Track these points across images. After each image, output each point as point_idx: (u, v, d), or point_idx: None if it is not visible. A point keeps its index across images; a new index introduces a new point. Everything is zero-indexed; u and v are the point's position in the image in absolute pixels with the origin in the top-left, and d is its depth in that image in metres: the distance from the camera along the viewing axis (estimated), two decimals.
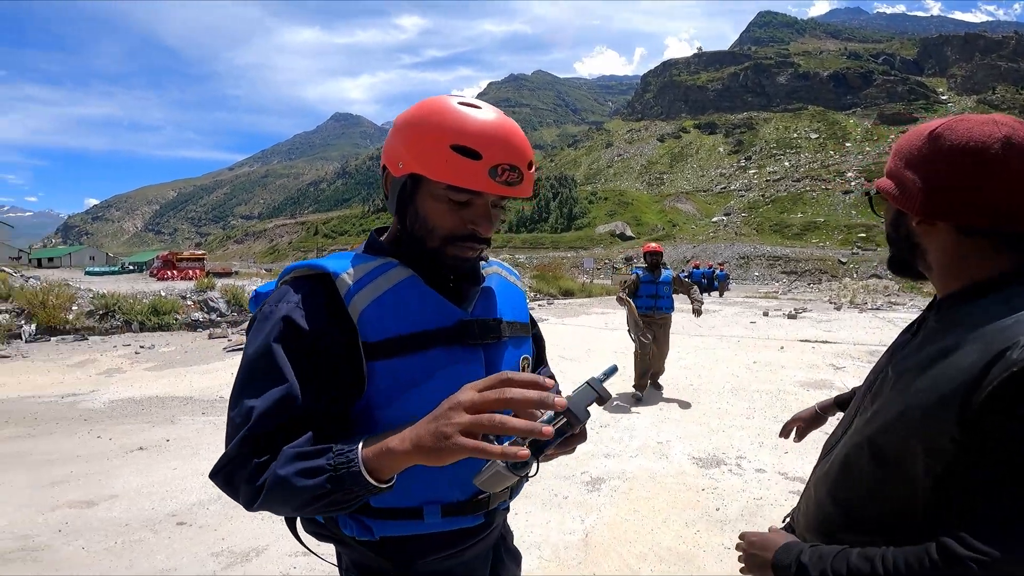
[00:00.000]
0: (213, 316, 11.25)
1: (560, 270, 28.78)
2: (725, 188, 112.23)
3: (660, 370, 6.13)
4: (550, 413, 0.65)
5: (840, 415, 1.13)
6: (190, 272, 31.59)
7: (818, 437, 1.40)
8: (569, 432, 0.68)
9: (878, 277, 34.67)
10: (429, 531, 0.85)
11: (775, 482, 3.60)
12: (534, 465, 0.67)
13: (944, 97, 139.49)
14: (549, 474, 3.64)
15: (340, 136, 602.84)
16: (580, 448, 4.42)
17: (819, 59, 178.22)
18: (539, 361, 1.14)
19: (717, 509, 3.22)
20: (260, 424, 0.72)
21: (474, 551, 0.93)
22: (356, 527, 0.84)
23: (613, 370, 0.73)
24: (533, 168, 0.85)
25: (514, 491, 0.96)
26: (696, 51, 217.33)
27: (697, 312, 6.09)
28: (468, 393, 0.64)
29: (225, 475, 0.74)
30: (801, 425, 1.35)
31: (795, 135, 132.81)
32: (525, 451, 0.60)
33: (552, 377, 1.09)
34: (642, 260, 6.21)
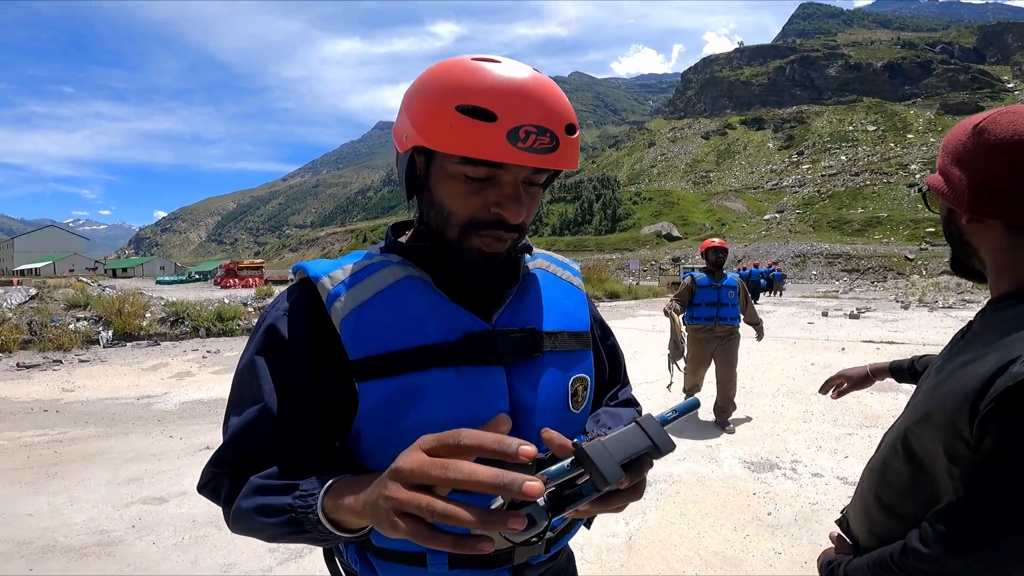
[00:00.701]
0: None
1: (605, 272, 28.51)
2: (777, 185, 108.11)
3: (727, 401, 4.76)
4: (560, 466, 0.45)
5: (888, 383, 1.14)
6: (250, 280, 33.19)
7: (877, 436, 1.35)
8: (597, 493, 0.46)
9: (949, 273, 32.38)
10: None
11: (833, 487, 3.46)
12: (540, 524, 0.45)
13: (1010, 85, 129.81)
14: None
15: (384, 144, 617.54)
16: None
17: (871, 50, 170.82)
18: (613, 382, 0.91)
19: (769, 514, 3.12)
20: (234, 444, 0.67)
21: None
22: (360, 563, 0.74)
23: (693, 406, 0.53)
24: (576, 133, 0.65)
25: (560, 540, 0.76)
26: (737, 46, 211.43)
27: (759, 336, 5.20)
28: (411, 456, 0.47)
29: (210, 491, 0.70)
30: (844, 384, 1.32)
31: (850, 128, 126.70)
32: (488, 544, 0.42)
33: (633, 402, 0.93)
34: (697, 260, 5.79)
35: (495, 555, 0.69)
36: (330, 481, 0.58)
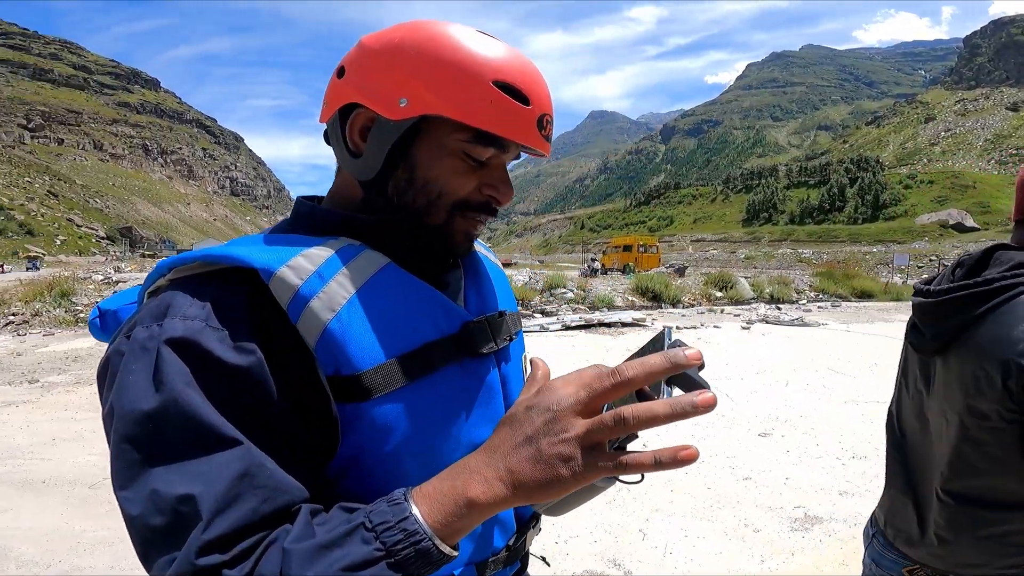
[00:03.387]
0: None
1: (857, 268, 24.02)
2: None
3: None
4: (665, 389, 0.46)
5: None
6: None
7: None
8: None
9: None
10: None
11: None
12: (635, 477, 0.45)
13: None
14: (749, 500, 3.15)
15: (598, 133, 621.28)
16: (811, 480, 3.59)
17: None
18: None
19: None
20: (222, 518, 0.42)
21: None
22: None
23: (670, 332, 0.55)
24: None
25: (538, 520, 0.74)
26: None
27: None
28: (564, 391, 0.43)
29: None
30: None
31: None
32: (692, 451, 0.41)
33: None
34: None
35: (512, 549, 0.65)
36: (404, 495, 0.44)
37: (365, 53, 0.58)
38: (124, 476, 0.44)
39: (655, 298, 13.75)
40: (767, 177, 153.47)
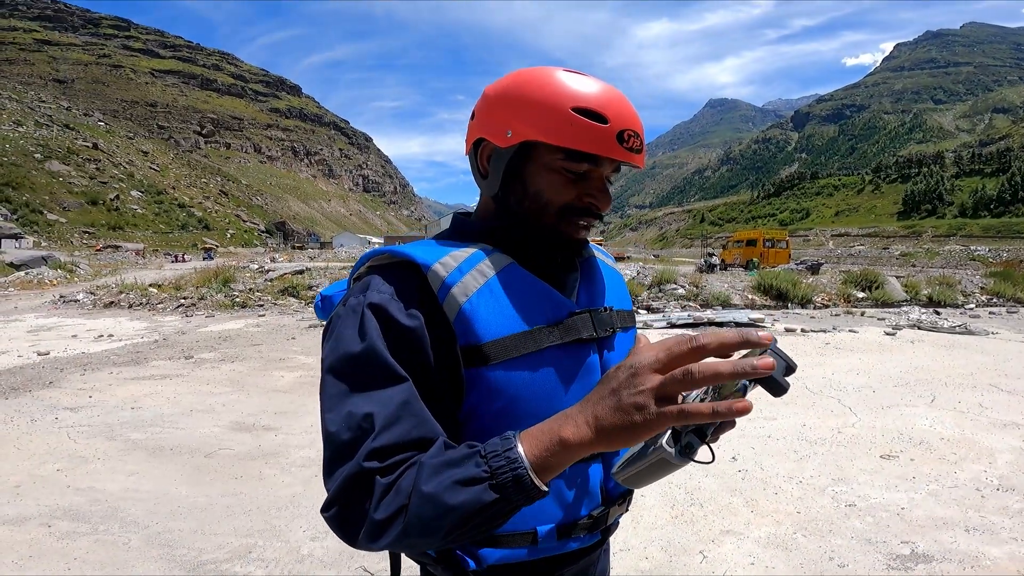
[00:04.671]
0: None
1: None
2: None
3: None
4: (742, 383, 0.50)
5: None
6: None
7: None
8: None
9: None
10: (540, 556, 0.72)
11: None
12: (708, 451, 0.53)
13: None
14: (846, 531, 2.69)
15: (719, 122, 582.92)
16: (933, 512, 2.88)
17: None
18: None
19: None
20: (386, 432, 0.58)
21: (575, 570, 0.78)
22: (468, 559, 0.70)
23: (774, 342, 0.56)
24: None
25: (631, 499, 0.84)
26: None
27: None
28: (647, 354, 0.51)
29: (343, 506, 0.58)
30: None
31: None
32: (746, 403, 0.47)
33: None
34: None
35: (594, 518, 0.75)
36: (514, 434, 0.55)
37: (485, 100, 0.76)
38: (331, 402, 0.62)
39: (780, 297, 12.49)
40: (930, 165, 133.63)
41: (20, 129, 72.32)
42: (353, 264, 0.91)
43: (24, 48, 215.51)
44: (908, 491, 3.12)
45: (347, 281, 0.81)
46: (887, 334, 8.58)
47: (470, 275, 0.70)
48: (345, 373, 0.63)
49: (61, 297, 14.13)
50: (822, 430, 4.14)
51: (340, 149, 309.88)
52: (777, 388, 0.49)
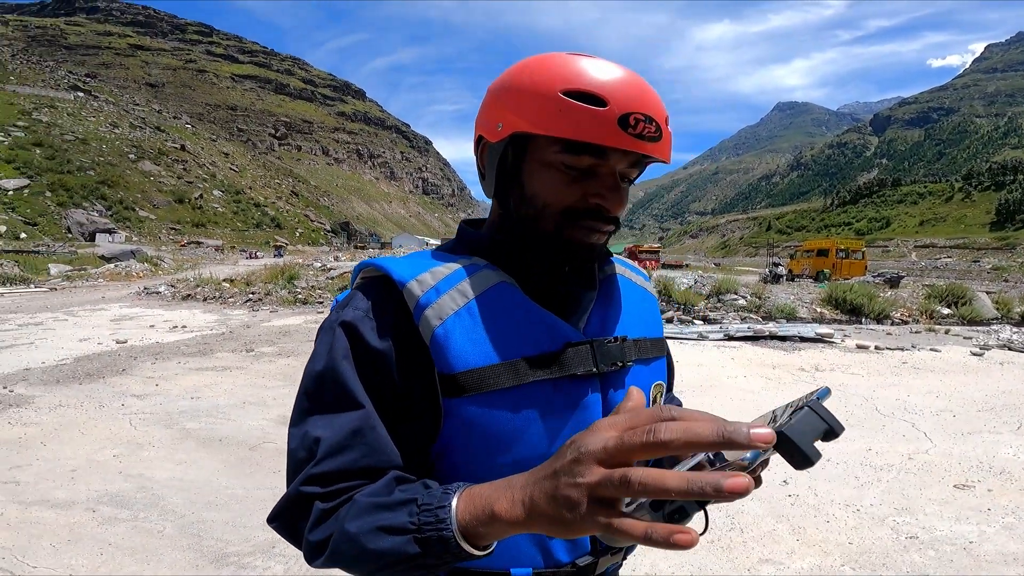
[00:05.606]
0: None
1: None
2: None
3: None
4: (750, 453, 0.41)
5: None
6: (648, 263, 35.31)
7: None
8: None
9: None
10: None
11: None
12: (700, 519, 0.43)
13: None
14: (902, 564, 2.46)
15: (788, 126, 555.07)
16: (1005, 547, 2.61)
17: None
18: (668, 387, 0.86)
19: None
20: (329, 459, 0.56)
21: None
22: None
23: (826, 393, 0.49)
24: (669, 127, 0.65)
25: (629, 550, 0.73)
26: None
27: None
28: (601, 435, 0.41)
29: (285, 521, 0.58)
30: None
31: None
32: (690, 535, 0.37)
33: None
34: None
35: (579, 567, 0.65)
36: (457, 489, 0.50)
37: (486, 96, 0.70)
38: (295, 416, 0.61)
39: (853, 311, 11.65)
40: None
41: (116, 131, 78.72)
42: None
43: (120, 53, 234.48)
44: (980, 523, 2.82)
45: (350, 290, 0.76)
46: (973, 354, 7.79)
47: (447, 295, 0.63)
48: (309, 391, 0.61)
49: (145, 289, 15.25)
50: (890, 455, 3.81)
51: (401, 152, 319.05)
52: (800, 459, 0.39)
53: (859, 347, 8.30)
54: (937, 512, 2.98)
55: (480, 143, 0.70)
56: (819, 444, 0.41)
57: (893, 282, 16.82)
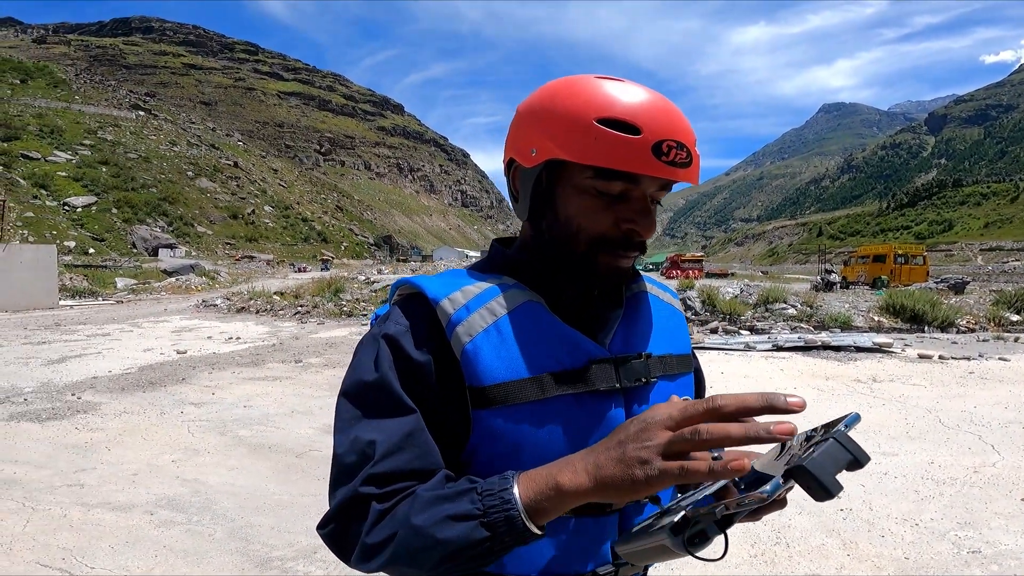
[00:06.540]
0: (688, 314, 12.00)
1: None
2: None
3: None
4: (770, 485, 0.44)
5: None
6: (691, 272, 34.48)
7: None
8: (758, 505, 0.46)
9: None
10: None
11: None
12: (717, 546, 0.48)
13: None
14: None
15: (835, 128, 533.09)
16: None
17: None
18: None
19: None
20: (386, 460, 0.59)
21: None
22: None
23: (855, 419, 0.49)
24: (697, 149, 0.67)
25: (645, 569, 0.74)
26: None
27: None
28: (663, 409, 0.50)
29: (338, 527, 0.59)
30: None
31: None
32: (742, 462, 0.43)
33: None
34: None
35: None
36: (513, 474, 0.55)
37: (515, 118, 0.72)
38: (341, 424, 0.64)
39: (915, 319, 11.03)
40: None
41: (175, 148, 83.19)
42: None
43: (175, 72, 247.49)
44: None
45: (388, 305, 0.79)
46: None
47: (477, 313, 0.66)
48: (357, 399, 0.64)
49: (203, 301, 16.04)
50: (954, 469, 3.60)
51: (440, 165, 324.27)
52: (821, 492, 0.41)
53: (921, 357, 7.85)
54: (1003, 526, 2.83)
55: (512, 166, 0.72)
56: (846, 471, 0.42)
57: (958, 288, 15.91)
